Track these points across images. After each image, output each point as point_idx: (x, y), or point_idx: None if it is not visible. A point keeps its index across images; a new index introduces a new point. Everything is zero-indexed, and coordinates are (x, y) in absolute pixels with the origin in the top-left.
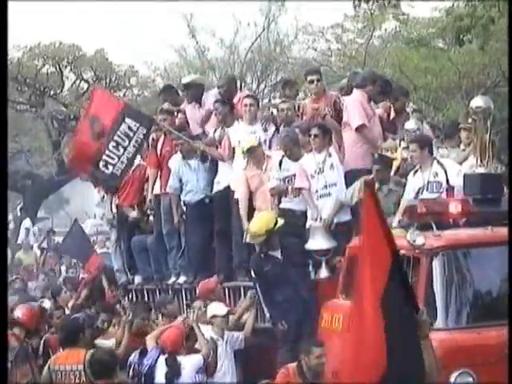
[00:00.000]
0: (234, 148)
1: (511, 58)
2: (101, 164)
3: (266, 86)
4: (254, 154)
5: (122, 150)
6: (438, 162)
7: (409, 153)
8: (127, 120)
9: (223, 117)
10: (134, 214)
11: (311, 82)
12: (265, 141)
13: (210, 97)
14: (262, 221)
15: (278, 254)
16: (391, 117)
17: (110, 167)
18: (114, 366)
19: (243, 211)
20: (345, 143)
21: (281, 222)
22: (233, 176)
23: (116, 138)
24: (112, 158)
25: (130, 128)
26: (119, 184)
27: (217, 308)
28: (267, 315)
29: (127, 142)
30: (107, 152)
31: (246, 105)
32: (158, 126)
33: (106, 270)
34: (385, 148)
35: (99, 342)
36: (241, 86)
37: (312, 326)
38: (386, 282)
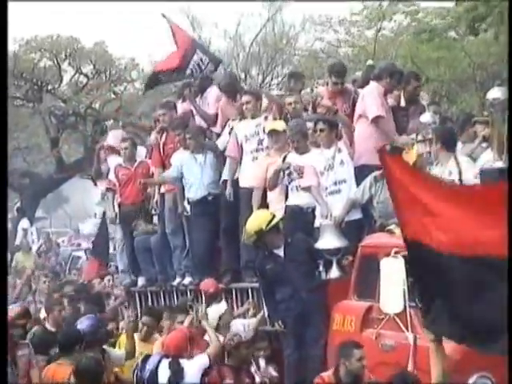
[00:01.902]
0: (241, 145)
1: (511, 55)
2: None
3: (272, 79)
4: (277, 139)
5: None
6: (456, 158)
7: (426, 147)
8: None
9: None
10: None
11: (335, 83)
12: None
13: (213, 93)
14: (254, 221)
15: (280, 252)
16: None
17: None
18: (100, 374)
19: (256, 202)
20: (358, 136)
21: (276, 219)
22: (241, 173)
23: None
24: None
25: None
26: None
27: (211, 315)
28: (266, 315)
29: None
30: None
31: (244, 102)
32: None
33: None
34: (401, 144)
35: (109, 349)
36: (245, 78)
37: (317, 328)
38: None
